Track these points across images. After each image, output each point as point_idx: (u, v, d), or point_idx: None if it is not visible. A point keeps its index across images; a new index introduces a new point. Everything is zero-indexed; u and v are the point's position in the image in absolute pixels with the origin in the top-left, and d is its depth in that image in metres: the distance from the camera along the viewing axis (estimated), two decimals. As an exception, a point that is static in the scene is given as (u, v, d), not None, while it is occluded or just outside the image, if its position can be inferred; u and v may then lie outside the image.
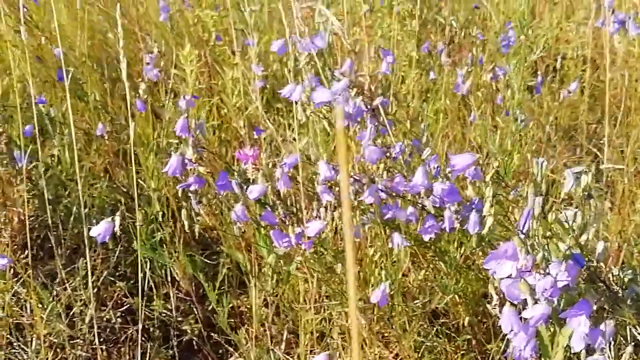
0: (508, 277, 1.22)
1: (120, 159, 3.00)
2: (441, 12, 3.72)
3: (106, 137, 2.82)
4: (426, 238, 1.77)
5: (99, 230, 1.66)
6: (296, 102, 1.90)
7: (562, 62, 3.44)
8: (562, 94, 2.99)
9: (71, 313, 2.14)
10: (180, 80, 2.91)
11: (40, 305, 2.10)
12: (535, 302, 1.21)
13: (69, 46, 3.27)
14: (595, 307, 1.23)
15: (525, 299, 1.27)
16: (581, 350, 1.24)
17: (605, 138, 2.30)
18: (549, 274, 1.18)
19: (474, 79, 2.80)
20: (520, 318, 1.29)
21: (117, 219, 1.65)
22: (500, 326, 1.66)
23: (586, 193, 1.22)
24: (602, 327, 1.24)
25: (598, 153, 2.93)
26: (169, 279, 2.23)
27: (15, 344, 2.08)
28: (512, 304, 1.29)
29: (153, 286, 2.25)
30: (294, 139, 2.87)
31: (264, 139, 2.64)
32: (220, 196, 1.87)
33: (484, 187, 1.57)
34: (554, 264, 1.21)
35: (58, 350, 2.09)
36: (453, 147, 2.76)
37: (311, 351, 1.99)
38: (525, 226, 1.23)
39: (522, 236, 1.17)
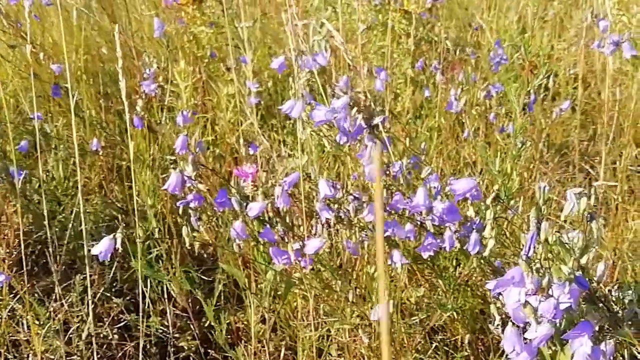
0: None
1: (114, 175, 3.00)
2: (434, 29, 3.75)
3: (101, 153, 2.82)
4: (425, 255, 1.78)
5: (101, 248, 1.66)
6: (297, 120, 1.91)
7: (554, 79, 3.48)
8: (554, 112, 3.02)
9: (68, 329, 2.13)
10: (175, 96, 2.92)
11: (37, 322, 2.09)
12: (539, 323, 1.22)
13: (63, 62, 3.27)
14: (596, 327, 1.25)
15: (528, 321, 1.28)
16: (583, 370, 1.25)
17: (603, 155, 2.32)
18: (551, 296, 1.20)
19: (467, 96, 2.82)
20: (523, 338, 1.30)
21: (119, 236, 1.65)
22: (498, 343, 1.67)
23: (588, 214, 1.24)
24: (602, 346, 1.26)
25: (590, 170, 2.96)
26: (166, 295, 2.23)
27: (11, 360, 2.07)
28: (515, 325, 1.30)
29: (150, 302, 2.25)
30: (289, 155, 2.89)
31: (260, 155, 2.65)
32: (219, 213, 1.87)
33: (484, 208, 1.59)
34: (556, 285, 1.22)
35: (55, 367, 2.08)
36: (448, 164, 2.78)
37: (309, 368, 1.99)
38: (530, 251, 1.25)
39: (527, 261, 1.18)
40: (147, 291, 2.16)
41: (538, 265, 1.20)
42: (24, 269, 2.13)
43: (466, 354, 1.95)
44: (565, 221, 1.45)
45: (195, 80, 3.11)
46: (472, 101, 2.85)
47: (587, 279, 1.24)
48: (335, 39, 2.17)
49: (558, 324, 1.29)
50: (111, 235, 1.66)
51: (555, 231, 1.27)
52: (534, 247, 1.25)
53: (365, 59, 3.25)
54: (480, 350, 1.96)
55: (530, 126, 3.11)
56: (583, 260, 1.23)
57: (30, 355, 2.05)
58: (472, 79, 3.02)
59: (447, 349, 1.98)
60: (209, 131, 3.18)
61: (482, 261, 1.76)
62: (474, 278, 2.01)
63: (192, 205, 1.83)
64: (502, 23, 4.14)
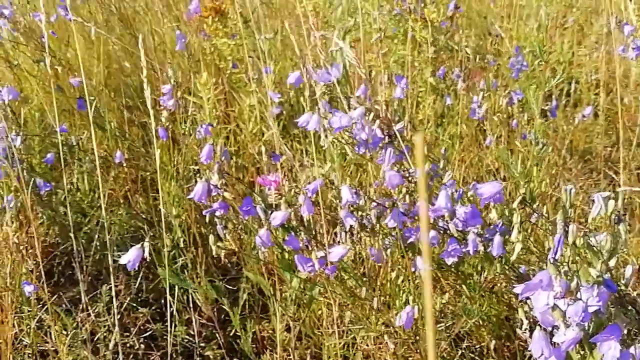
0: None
1: (138, 186, 3.03)
2: (453, 37, 3.76)
3: (125, 165, 2.85)
4: (449, 261, 1.78)
5: (129, 257, 1.68)
6: (315, 130, 1.92)
7: (576, 86, 3.47)
8: (576, 118, 3.02)
9: (95, 339, 2.15)
10: (198, 107, 2.94)
11: (64, 332, 2.11)
12: (567, 327, 1.22)
13: (86, 75, 3.31)
14: (625, 331, 1.24)
15: (556, 325, 1.28)
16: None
17: (624, 160, 2.31)
18: (580, 299, 1.20)
19: (489, 103, 2.82)
20: (551, 342, 1.30)
21: (147, 245, 1.66)
22: (525, 349, 1.67)
23: (615, 217, 1.24)
24: (632, 349, 1.25)
25: (614, 176, 2.95)
26: (191, 304, 2.24)
27: (39, 370, 2.09)
28: (543, 328, 1.30)
29: (175, 312, 2.26)
30: (312, 165, 2.90)
31: (281, 164, 2.67)
32: (244, 221, 1.89)
33: (509, 212, 1.59)
34: (584, 288, 1.22)
35: (83, 376, 2.10)
36: (470, 171, 2.78)
37: (335, 376, 1.99)
38: (557, 253, 1.25)
39: (555, 264, 1.18)
40: (172, 301, 2.18)
41: (566, 268, 1.20)
42: (51, 280, 2.16)
43: (492, 360, 1.94)
44: (590, 225, 1.45)
45: (217, 91, 3.14)
46: (493, 108, 2.85)
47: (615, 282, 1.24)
48: (347, 55, 2.19)
49: (586, 328, 1.29)
50: (139, 245, 1.68)
51: (582, 235, 1.27)
52: (562, 250, 1.25)
53: (386, 68, 3.26)
54: (506, 357, 1.95)
55: (553, 133, 3.10)
56: (611, 263, 1.23)
57: (58, 365, 2.07)
58: (494, 86, 3.02)
59: (473, 355, 1.97)
60: (231, 142, 3.20)
61: (506, 266, 1.76)
62: (498, 284, 2.01)
63: (217, 213, 1.84)
64: (522, 31, 4.14)
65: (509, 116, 2.82)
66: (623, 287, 1.28)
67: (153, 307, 2.41)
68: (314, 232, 1.89)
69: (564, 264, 1.22)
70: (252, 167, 3.12)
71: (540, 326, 1.32)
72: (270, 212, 1.84)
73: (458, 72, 2.97)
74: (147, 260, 1.79)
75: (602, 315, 1.25)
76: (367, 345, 2.02)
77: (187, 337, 2.26)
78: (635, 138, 2.81)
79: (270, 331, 2.24)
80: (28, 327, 2.12)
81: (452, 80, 3.13)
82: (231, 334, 2.27)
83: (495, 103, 2.88)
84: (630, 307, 1.28)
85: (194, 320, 2.23)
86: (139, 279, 2.42)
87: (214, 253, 1.76)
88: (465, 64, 3.16)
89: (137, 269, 1.75)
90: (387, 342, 1.89)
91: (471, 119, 2.82)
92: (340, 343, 1.98)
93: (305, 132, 3.21)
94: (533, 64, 3.40)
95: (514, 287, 1.46)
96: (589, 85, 3.55)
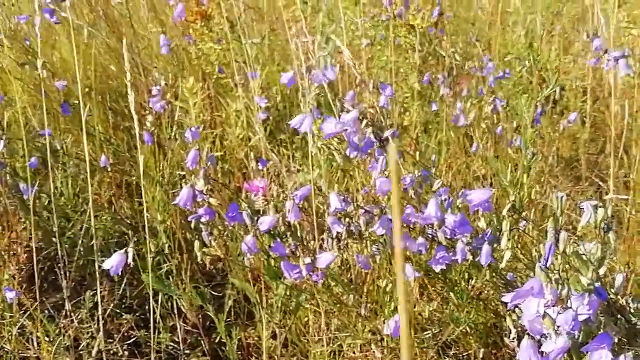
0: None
1: (123, 191, 3.00)
2: (441, 44, 3.76)
3: (109, 169, 2.83)
4: (437, 269, 1.77)
5: (112, 262, 1.65)
6: (307, 134, 1.91)
7: (562, 93, 3.48)
8: (562, 125, 3.02)
9: (78, 346, 2.12)
10: (184, 112, 2.92)
11: (46, 338, 2.08)
12: (558, 335, 1.21)
13: (71, 79, 3.28)
14: (615, 339, 1.24)
15: (544, 333, 1.27)
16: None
17: (612, 168, 2.31)
18: (570, 307, 1.19)
19: (475, 110, 2.82)
20: (539, 351, 1.29)
21: (131, 251, 1.64)
22: (513, 357, 1.66)
23: (605, 225, 1.23)
24: (621, 358, 1.24)
25: (601, 183, 2.95)
26: (176, 311, 2.22)
27: (21, 378, 2.06)
28: (531, 337, 1.29)
29: (160, 318, 2.24)
30: (298, 171, 2.89)
31: (268, 170, 2.65)
32: (230, 227, 1.87)
33: (496, 220, 1.58)
34: (574, 297, 1.21)
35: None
36: (457, 178, 2.78)
37: (321, 384, 1.97)
38: (548, 261, 1.24)
39: (545, 271, 1.17)
40: (157, 307, 2.15)
41: (557, 276, 1.19)
42: (34, 285, 2.12)
43: (480, 368, 1.93)
44: (579, 233, 1.44)
45: (204, 96, 3.12)
46: (479, 115, 2.85)
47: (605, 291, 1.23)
48: (343, 54, 2.17)
49: (575, 337, 1.28)
50: (122, 250, 1.66)
51: (571, 243, 1.26)
52: (552, 258, 1.24)
53: (370, 75, 3.25)
54: (494, 365, 1.95)
55: (539, 140, 3.10)
56: (601, 271, 1.22)
57: (40, 372, 2.04)
58: (480, 93, 3.02)
59: (460, 363, 1.96)
60: (217, 147, 3.18)
61: (494, 274, 1.75)
62: (486, 292, 2.00)
63: (203, 219, 1.82)
64: (509, 37, 4.15)
65: (493, 123, 2.82)
66: (613, 296, 1.28)
67: (137, 314, 2.38)
68: (301, 239, 1.88)
69: (555, 271, 1.21)
70: (239, 172, 3.10)
71: (529, 335, 1.31)
72: (256, 218, 1.83)
73: (443, 77, 2.97)
74: (131, 266, 1.77)
75: (592, 323, 1.24)
76: (354, 353, 2.01)
77: (171, 343, 2.23)
78: (621, 145, 2.81)
79: (256, 338, 2.22)
80: (10, 333, 2.08)
81: (438, 87, 3.13)
82: (216, 341, 2.24)
83: (481, 110, 2.88)
84: (619, 316, 1.27)
85: (178, 326, 2.21)
86: (123, 285, 2.39)
87: (199, 259, 1.73)
88: (450, 71, 3.16)
89: (120, 274, 1.73)
90: (373, 351, 1.88)
91: (457, 126, 2.82)
92: (326, 350, 1.96)
93: (292, 138, 3.20)
94: (520, 72, 3.41)
95: (503, 295, 1.45)
96: (575, 92, 3.56)
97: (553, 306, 1.19)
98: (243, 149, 3.05)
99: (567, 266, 1.25)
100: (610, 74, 3.24)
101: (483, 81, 3.25)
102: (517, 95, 3.12)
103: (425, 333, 1.96)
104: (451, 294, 1.90)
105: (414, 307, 2.01)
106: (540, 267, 1.18)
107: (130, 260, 1.65)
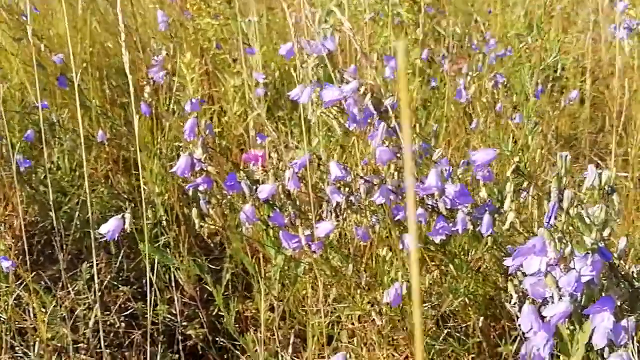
0: (535, 273, 1.21)
1: (120, 166, 2.98)
2: (440, 24, 3.74)
3: (106, 144, 2.81)
4: (437, 240, 1.76)
5: (109, 227, 1.64)
6: (305, 105, 1.89)
7: (562, 72, 3.47)
8: (562, 102, 3.01)
9: (74, 317, 2.11)
10: (181, 87, 2.90)
11: (43, 309, 2.07)
12: (560, 298, 1.20)
13: (69, 54, 3.25)
14: (618, 303, 1.23)
15: (546, 298, 1.26)
16: (604, 347, 1.23)
17: (613, 145, 2.30)
18: (573, 268, 1.17)
19: (476, 86, 2.80)
20: (541, 316, 1.28)
21: (128, 216, 1.63)
22: (512, 328, 1.65)
23: (609, 188, 1.22)
24: (624, 322, 1.23)
25: (600, 162, 2.94)
26: (173, 283, 2.21)
27: (17, 347, 2.05)
28: (532, 301, 1.28)
29: (157, 290, 2.23)
30: (297, 147, 2.87)
31: (265, 146, 2.63)
32: (228, 197, 1.85)
33: (498, 191, 1.57)
34: (577, 258, 1.20)
35: (62, 354, 2.06)
36: (456, 155, 2.76)
37: (319, 355, 1.97)
38: (550, 220, 1.22)
39: (549, 229, 1.16)
40: (154, 279, 2.14)
41: (560, 235, 1.18)
42: (31, 257, 2.11)
43: (478, 340, 1.92)
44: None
45: (201, 72, 3.09)
46: (479, 91, 2.83)
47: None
48: (344, 26, 2.15)
49: (577, 301, 1.27)
50: (119, 215, 1.64)
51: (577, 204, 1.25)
52: (555, 218, 1.23)
53: (372, 51, 3.23)
54: (492, 337, 1.94)
55: (538, 119, 3.09)
56: (605, 233, 1.21)
57: (36, 342, 2.03)
58: (479, 69, 3.00)
59: (459, 335, 1.95)
60: (215, 123, 3.16)
61: (494, 245, 1.74)
62: (485, 264, 1.99)
63: (201, 188, 1.81)
64: (508, 18, 4.13)
65: (493, 98, 2.81)
66: (616, 260, 1.27)
67: (134, 286, 2.37)
68: (300, 209, 1.86)
69: (558, 230, 1.20)
70: (237, 149, 3.09)
71: (530, 300, 1.30)
72: (255, 187, 1.81)
73: (444, 52, 2.95)
74: (128, 234, 1.76)
75: (595, 286, 1.23)
76: (352, 324, 2.00)
77: (168, 315, 2.22)
78: (621, 123, 2.80)
79: (254, 310, 2.21)
80: (6, 303, 2.07)
81: (438, 63, 3.11)
82: (214, 313, 2.23)
83: (481, 86, 2.86)
84: (622, 280, 1.26)
85: (176, 299, 2.19)
86: (120, 257, 2.37)
87: (196, 227, 1.72)
88: (450, 49, 3.13)
89: (117, 241, 1.71)
90: (373, 319, 1.87)
91: (457, 102, 2.80)
92: (324, 322, 1.95)
93: (290, 115, 3.18)
94: (519, 50, 3.39)
95: (503, 264, 1.45)
96: (575, 72, 3.55)
97: (555, 265, 1.18)
98: (241, 124, 3.03)
99: (570, 228, 1.24)
100: (615, 53, 3.22)
101: (483, 59, 3.23)
102: (517, 75, 3.11)
103: (424, 305, 1.95)
104: (450, 265, 1.89)
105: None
106: (544, 224, 1.17)
107: (127, 225, 1.64)
